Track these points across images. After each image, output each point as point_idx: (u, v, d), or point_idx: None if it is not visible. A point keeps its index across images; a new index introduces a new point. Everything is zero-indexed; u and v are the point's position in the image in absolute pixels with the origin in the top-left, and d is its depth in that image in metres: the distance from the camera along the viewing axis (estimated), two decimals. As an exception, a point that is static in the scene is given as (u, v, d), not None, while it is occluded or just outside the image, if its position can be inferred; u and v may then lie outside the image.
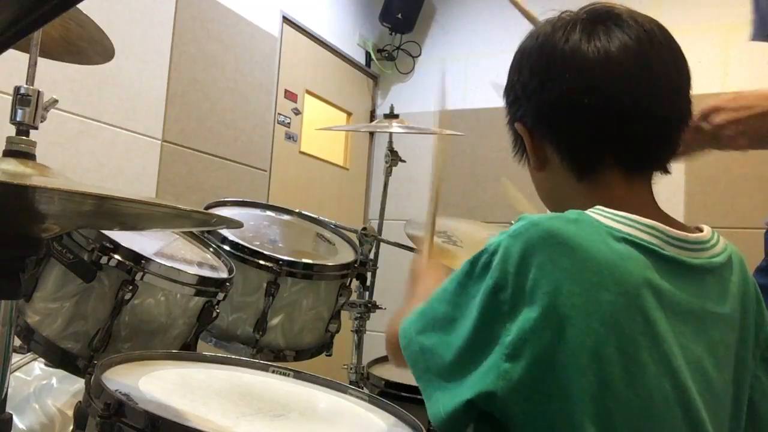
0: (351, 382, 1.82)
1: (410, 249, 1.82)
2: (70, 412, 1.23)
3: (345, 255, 1.84)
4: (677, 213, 3.23)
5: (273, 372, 1.20)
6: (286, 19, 3.40)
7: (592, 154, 0.76)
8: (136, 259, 1.22)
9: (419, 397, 1.35)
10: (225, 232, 1.60)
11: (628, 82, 0.73)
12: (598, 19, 0.76)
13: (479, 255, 0.70)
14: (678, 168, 3.60)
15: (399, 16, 3.96)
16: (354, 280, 1.82)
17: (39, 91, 0.97)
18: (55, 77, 2.19)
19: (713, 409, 0.69)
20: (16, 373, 1.42)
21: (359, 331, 1.95)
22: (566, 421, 0.63)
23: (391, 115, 2.10)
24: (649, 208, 0.77)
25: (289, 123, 3.46)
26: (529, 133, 0.80)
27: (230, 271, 1.44)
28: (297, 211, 2.00)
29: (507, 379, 0.64)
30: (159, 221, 1.01)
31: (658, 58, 0.75)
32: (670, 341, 0.66)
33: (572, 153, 0.77)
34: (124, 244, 1.21)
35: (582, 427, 0.63)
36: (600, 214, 0.70)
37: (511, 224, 0.70)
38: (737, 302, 0.75)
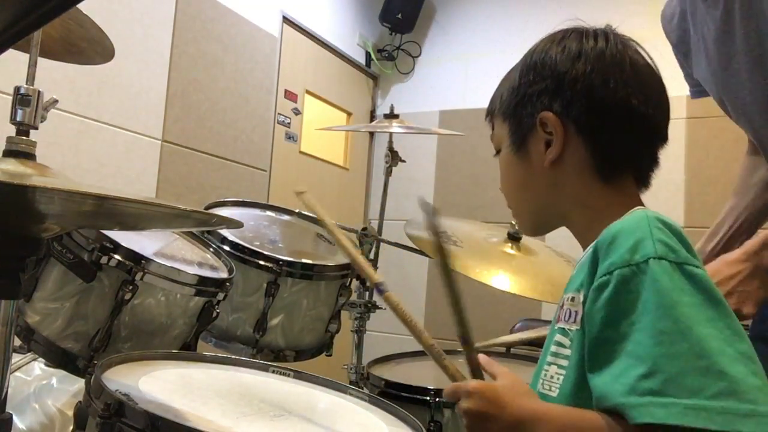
0: (351, 382, 1.82)
1: (410, 249, 1.82)
2: (70, 412, 1.23)
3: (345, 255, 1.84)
4: (677, 213, 3.23)
5: (273, 372, 1.20)
6: (286, 19, 3.40)
7: (625, 158, 0.82)
8: (136, 259, 1.22)
9: (419, 397, 1.36)
10: (225, 232, 1.60)
11: (664, 104, 0.83)
12: (631, 42, 0.85)
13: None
14: (678, 168, 3.60)
15: (399, 16, 3.96)
16: (354, 280, 1.82)
17: (39, 91, 0.97)
18: (55, 77, 2.19)
19: None
20: (16, 373, 1.42)
21: (359, 331, 1.95)
22: None
23: (391, 115, 2.10)
24: None
25: (289, 123, 3.46)
26: (563, 124, 0.80)
27: (230, 271, 1.44)
28: (297, 211, 2.00)
29: None
30: (159, 221, 1.01)
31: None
32: None
33: (609, 153, 0.81)
34: (124, 244, 1.21)
35: None
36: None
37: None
38: None
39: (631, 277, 0.67)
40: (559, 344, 0.77)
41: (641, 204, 0.82)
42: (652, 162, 0.83)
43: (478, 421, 0.72)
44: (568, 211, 0.84)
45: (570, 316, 0.75)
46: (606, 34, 0.83)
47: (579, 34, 0.83)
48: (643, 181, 0.84)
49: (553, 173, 0.82)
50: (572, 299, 0.76)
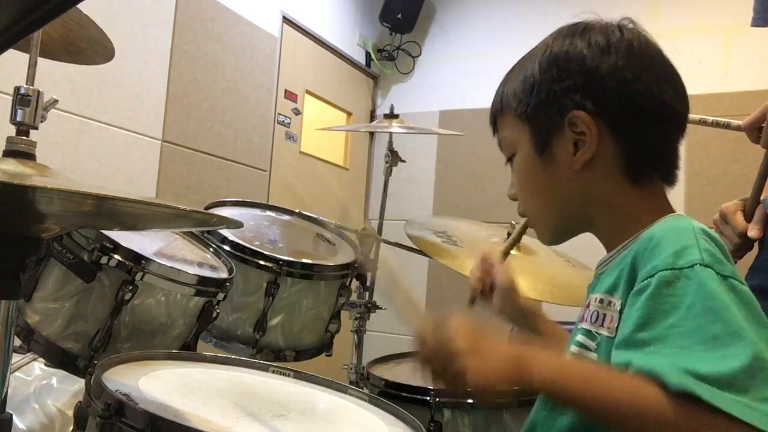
0: (351, 382, 1.82)
1: (410, 249, 1.82)
2: (70, 412, 1.23)
3: (345, 255, 1.84)
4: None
5: (273, 372, 1.20)
6: (286, 19, 3.40)
7: (655, 157, 0.78)
8: (136, 259, 1.22)
9: (419, 397, 1.36)
10: (225, 232, 1.60)
11: (686, 98, 0.79)
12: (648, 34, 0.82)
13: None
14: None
15: (399, 16, 3.96)
16: (354, 280, 1.81)
17: (39, 91, 0.97)
18: (55, 77, 2.19)
19: None
20: (16, 373, 1.42)
21: (359, 331, 1.95)
22: None
23: (391, 115, 2.10)
24: None
25: (289, 123, 3.46)
26: (596, 123, 0.75)
27: (230, 271, 1.44)
28: (297, 211, 2.00)
29: None
30: (159, 221, 1.01)
31: None
32: None
33: (640, 152, 0.77)
34: (124, 244, 1.21)
35: None
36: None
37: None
38: None
39: (674, 280, 0.63)
40: (583, 346, 0.73)
41: (672, 209, 0.79)
42: (677, 158, 0.80)
43: (471, 356, 0.65)
44: (595, 215, 0.80)
45: (598, 318, 0.72)
46: (628, 26, 0.79)
47: (603, 26, 0.78)
48: (670, 179, 0.80)
49: (582, 176, 0.77)
50: (601, 301, 0.72)
